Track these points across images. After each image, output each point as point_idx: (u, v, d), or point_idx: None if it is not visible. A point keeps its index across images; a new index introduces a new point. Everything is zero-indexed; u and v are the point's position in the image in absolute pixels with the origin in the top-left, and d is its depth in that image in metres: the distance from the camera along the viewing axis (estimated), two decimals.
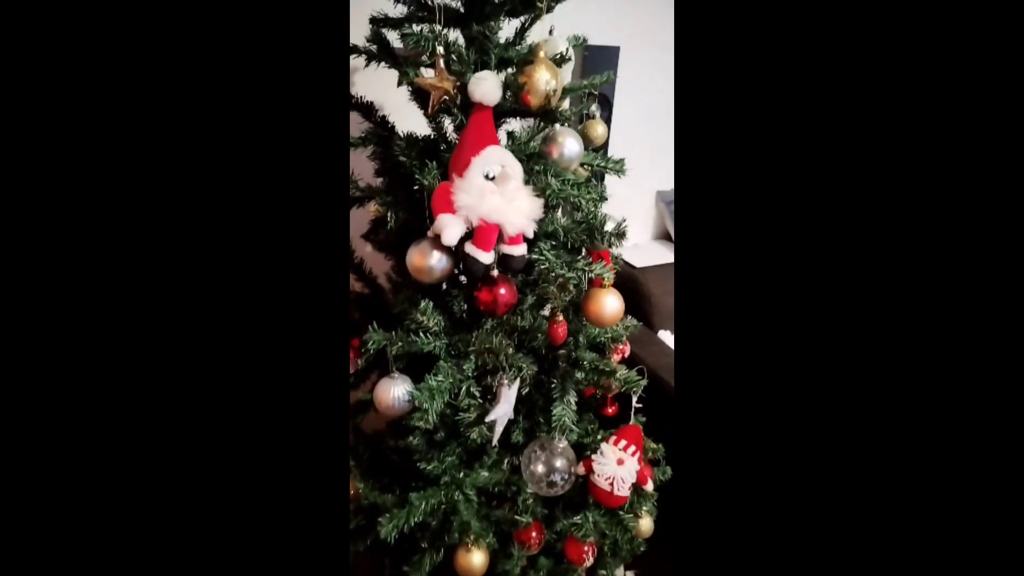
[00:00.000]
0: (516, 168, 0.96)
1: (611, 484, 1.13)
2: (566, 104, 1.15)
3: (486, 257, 0.95)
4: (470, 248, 0.95)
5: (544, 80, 0.97)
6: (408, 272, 1.03)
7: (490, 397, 1.13)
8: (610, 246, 1.16)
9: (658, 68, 2.20)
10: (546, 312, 1.20)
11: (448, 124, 1.15)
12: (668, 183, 2.46)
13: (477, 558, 1.15)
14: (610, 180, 1.32)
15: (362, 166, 1.30)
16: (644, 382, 1.23)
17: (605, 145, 1.75)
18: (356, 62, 1.15)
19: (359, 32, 1.18)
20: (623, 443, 1.16)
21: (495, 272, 1.02)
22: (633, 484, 1.16)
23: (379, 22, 1.12)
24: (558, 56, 1.05)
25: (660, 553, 1.51)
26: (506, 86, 0.98)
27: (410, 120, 1.19)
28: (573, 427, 1.14)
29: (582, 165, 1.20)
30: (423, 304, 1.08)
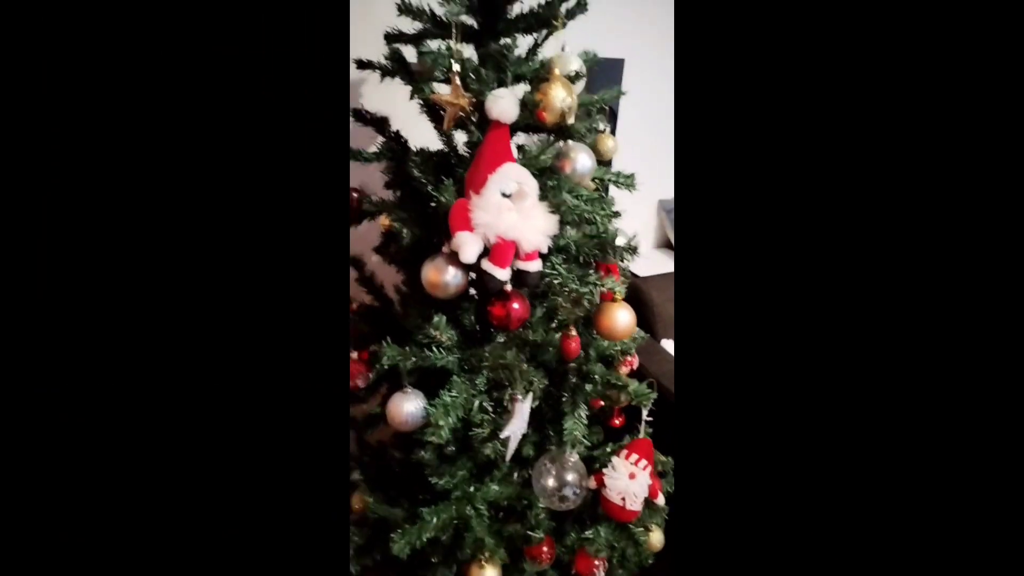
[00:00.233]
0: (532, 185, 0.97)
1: (623, 499, 1.13)
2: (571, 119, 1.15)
3: (503, 274, 0.95)
4: (487, 265, 0.95)
5: (560, 98, 0.97)
6: (418, 285, 1.03)
7: (500, 411, 1.13)
8: (622, 260, 1.17)
9: (659, 78, 2.21)
10: (554, 324, 1.20)
11: (461, 139, 1.15)
12: (669, 192, 2.47)
13: (490, 574, 1.15)
14: (612, 189, 1.32)
15: (371, 177, 1.30)
16: (654, 395, 1.23)
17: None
18: (370, 76, 1.15)
19: (371, 46, 1.18)
20: (634, 457, 1.17)
21: (508, 287, 1.02)
22: (644, 498, 1.16)
23: (394, 38, 1.12)
24: (573, 73, 1.05)
25: (665, 564, 1.51)
26: (522, 103, 0.98)
27: (417, 131, 1.20)
28: (584, 441, 1.14)
29: (592, 179, 1.20)
30: (436, 319, 1.07)
